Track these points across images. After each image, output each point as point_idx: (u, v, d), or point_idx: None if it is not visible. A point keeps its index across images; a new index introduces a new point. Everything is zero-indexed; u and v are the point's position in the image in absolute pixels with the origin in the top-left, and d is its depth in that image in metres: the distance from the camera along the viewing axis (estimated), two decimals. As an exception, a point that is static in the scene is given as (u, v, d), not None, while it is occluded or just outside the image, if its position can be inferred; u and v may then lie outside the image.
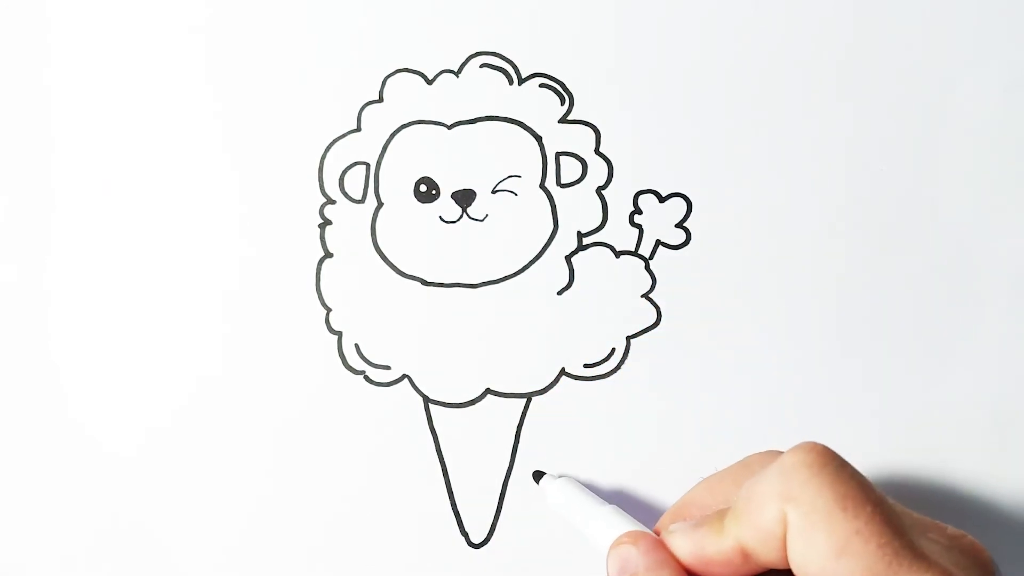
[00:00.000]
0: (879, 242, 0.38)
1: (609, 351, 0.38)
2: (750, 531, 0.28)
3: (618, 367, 0.38)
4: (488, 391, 0.38)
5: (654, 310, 0.38)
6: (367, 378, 0.38)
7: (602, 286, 0.38)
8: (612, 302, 0.38)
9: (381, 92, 0.38)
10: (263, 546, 0.38)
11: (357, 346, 0.38)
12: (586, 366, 0.38)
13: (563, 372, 0.38)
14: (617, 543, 0.31)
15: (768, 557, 0.28)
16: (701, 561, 0.29)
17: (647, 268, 0.38)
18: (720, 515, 0.29)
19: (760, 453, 0.33)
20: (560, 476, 0.37)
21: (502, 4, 0.37)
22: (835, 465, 0.27)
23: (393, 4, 0.38)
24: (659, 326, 0.38)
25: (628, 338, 0.38)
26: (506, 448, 0.38)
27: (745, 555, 0.28)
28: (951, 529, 0.29)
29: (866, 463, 0.37)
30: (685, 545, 0.30)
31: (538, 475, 0.37)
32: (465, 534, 0.38)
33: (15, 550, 0.38)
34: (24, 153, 0.38)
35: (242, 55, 0.37)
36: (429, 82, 0.38)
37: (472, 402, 0.38)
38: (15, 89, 0.38)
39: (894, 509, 0.27)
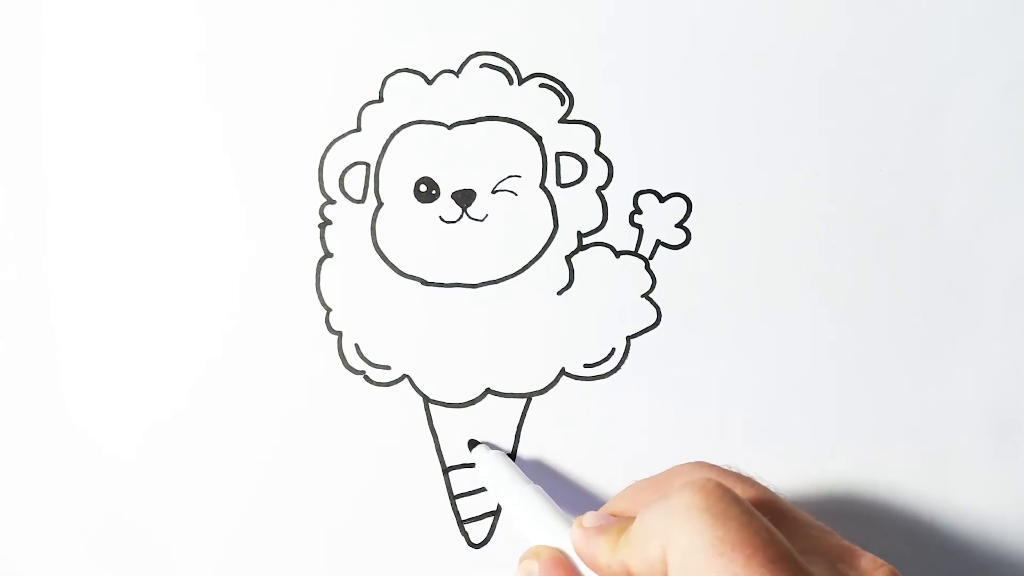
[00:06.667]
0: (879, 242, 0.38)
1: (609, 351, 0.38)
2: (636, 561, 0.28)
3: (618, 367, 0.38)
4: (488, 391, 0.38)
5: (654, 310, 0.38)
6: (367, 378, 0.38)
7: (602, 286, 0.38)
8: (612, 302, 0.38)
9: (381, 92, 0.38)
10: (263, 546, 0.38)
11: (357, 346, 0.38)
12: (586, 366, 0.38)
13: (563, 372, 0.38)
14: (523, 556, 0.32)
15: None
16: (594, 567, 0.30)
17: (647, 268, 0.38)
18: (621, 529, 0.30)
19: (688, 465, 0.32)
20: (493, 449, 0.37)
21: (502, 4, 0.37)
22: (718, 508, 0.27)
23: (393, 4, 0.37)
24: (659, 326, 0.38)
25: (628, 338, 0.38)
26: (506, 448, 0.38)
27: None
28: (867, 560, 0.28)
29: (865, 464, 0.38)
30: (581, 544, 0.30)
31: (472, 444, 0.37)
32: (465, 534, 0.38)
33: (16, 550, 0.38)
34: (25, 154, 0.38)
35: (242, 55, 0.37)
36: (429, 82, 0.37)
37: (472, 402, 0.38)
38: (15, 90, 0.38)
39: (784, 550, 0.26)
